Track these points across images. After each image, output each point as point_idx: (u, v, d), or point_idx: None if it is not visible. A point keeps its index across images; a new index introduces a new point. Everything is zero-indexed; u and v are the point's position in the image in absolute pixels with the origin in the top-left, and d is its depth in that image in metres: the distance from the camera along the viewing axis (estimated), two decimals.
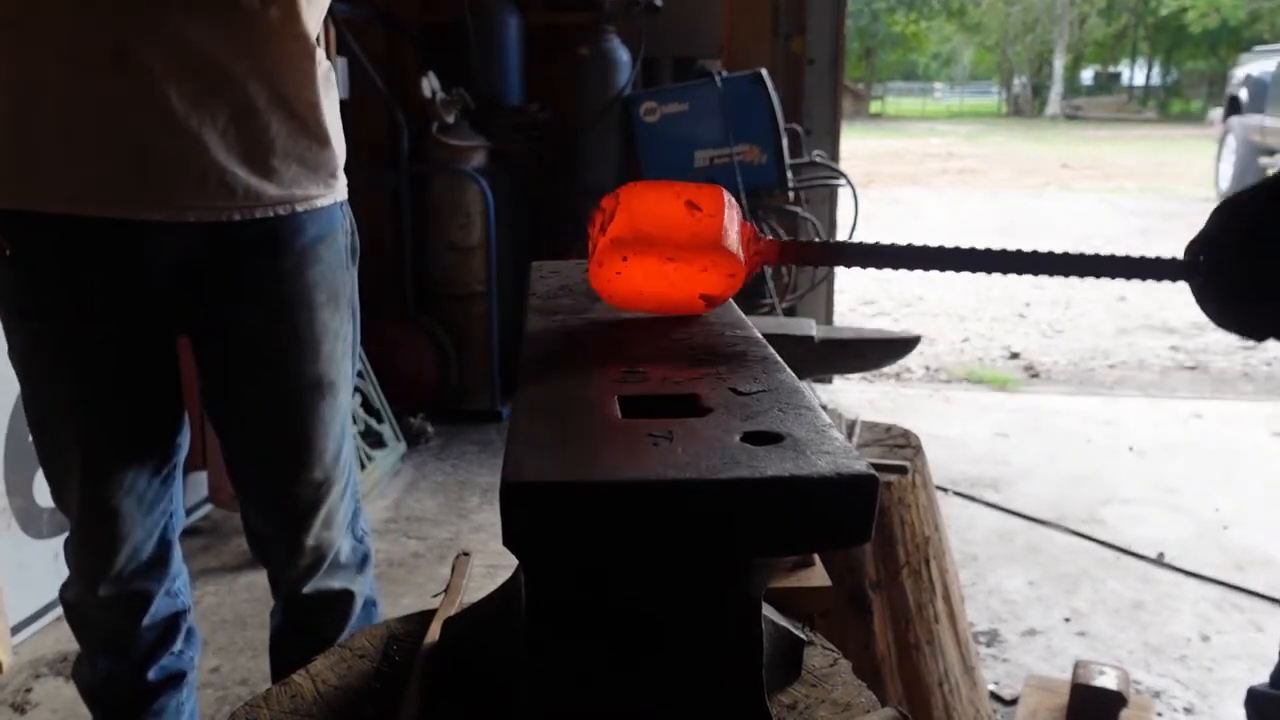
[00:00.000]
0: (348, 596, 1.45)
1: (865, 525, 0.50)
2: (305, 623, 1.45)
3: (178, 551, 1.43)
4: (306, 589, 1.41)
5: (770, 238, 0.79)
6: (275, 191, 1.22)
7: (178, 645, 1.46)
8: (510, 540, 0.48)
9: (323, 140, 1.26)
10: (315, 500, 1.36)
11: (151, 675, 1.43)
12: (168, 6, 1.12)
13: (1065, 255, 0.81)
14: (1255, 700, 1.58)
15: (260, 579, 2.66)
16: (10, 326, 1.25)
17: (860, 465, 0.50)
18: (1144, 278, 0.80)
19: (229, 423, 1.35)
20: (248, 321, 1.26)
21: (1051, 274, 0.81)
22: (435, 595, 0.94)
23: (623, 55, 3.90)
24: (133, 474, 1.29)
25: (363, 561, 1.49)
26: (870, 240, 0.82)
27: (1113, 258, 0.80)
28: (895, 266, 0.83)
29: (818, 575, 1.17)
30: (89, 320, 1.22)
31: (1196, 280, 0.80)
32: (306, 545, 1.37)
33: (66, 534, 1.38)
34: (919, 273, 0.81)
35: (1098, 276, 0.80)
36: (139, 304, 1.23)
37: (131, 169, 1.15)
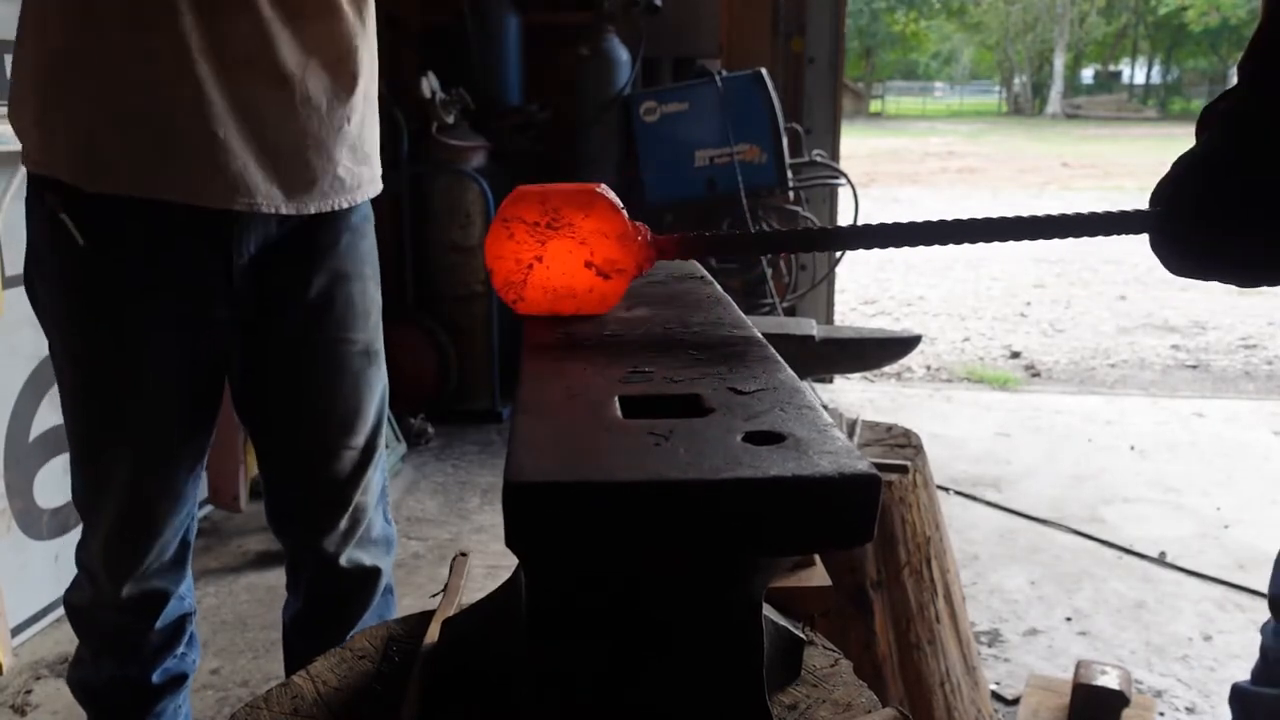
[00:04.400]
0: (376, 575, 1.48)
1: (868, 525, 0.50)
2: (333, 598, 1.46)
3: (190, 554, 1.44)
4: (343, 559, 1.42)
5: (656, 235, 0.80)
6: (367, 173, 1.32)
7: (181, 648, 1.46)
8: (512, 541, 0.48)
9: (377, 122, 1.36)
10: (360, 463, 1.40)
11: (156, 678, 1.43)
12: (299, 20, 1.19)
13: (1020, 219, 0.80)
14: (1239, 697, 1.59)
15: (261, 580, 2.66)
16: (76, 311, 1.25)
17: (862, 465, 0.49)
18: (1108, 233, 0.80)
19: (277, 393, 1.37)
20: (309, 291, 1.31)
21: (1005, 240, 0.80)
22: (434, 595, 0.94)
23: (623, 55, 3.90)
24: (174, 468, 1.32)
25: (389, 543, 1.52)
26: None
27: (1075, 216, 0.79)
28: (790, 250, 0.83)
29: (818, 575, 1.17)
30: (164, 306, 1.24)
31: (1153, 229, 0.79)
32: (348, 508, 1.41)
33: (80, 537, 1.37)
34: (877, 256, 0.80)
35: (1062, 237, 0.80)
36: (215, 289, 1.27)
37: (271, 169, 1.21)
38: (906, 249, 0.83)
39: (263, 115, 1.19)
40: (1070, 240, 0.81)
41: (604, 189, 0.77)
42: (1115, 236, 0.81)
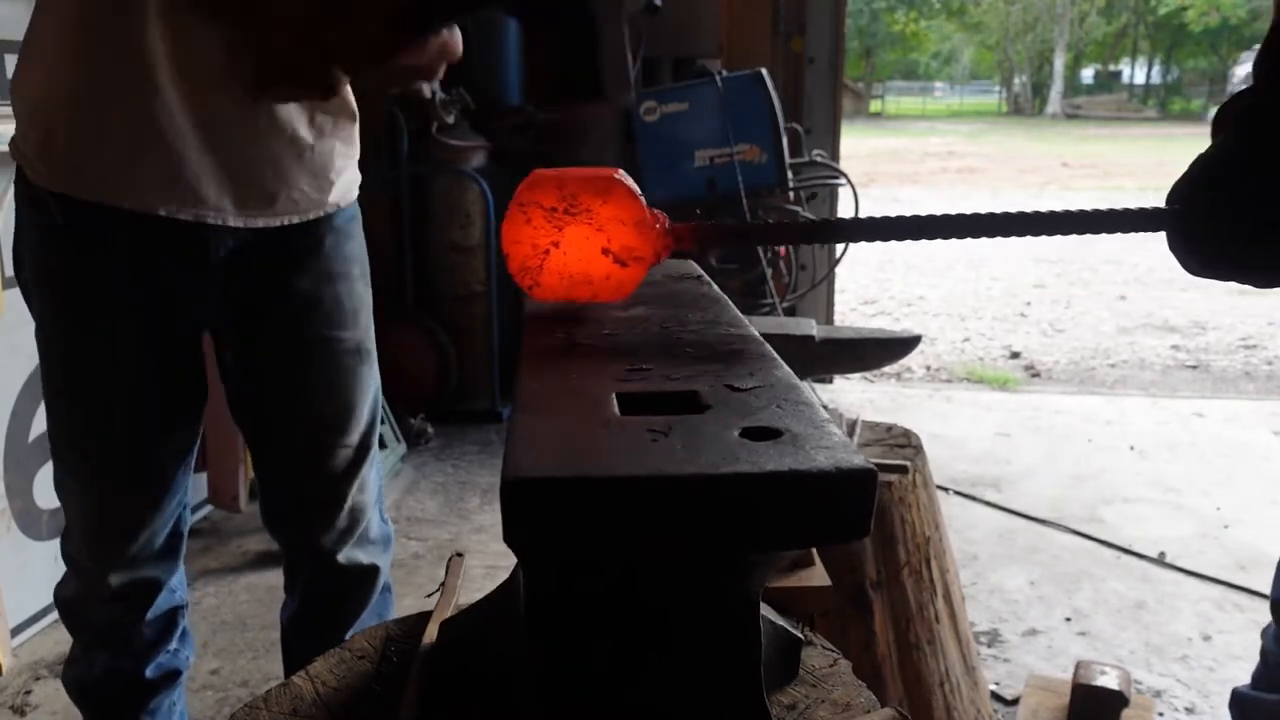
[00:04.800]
0: (374, 573, 1.48)
1: (864, 520, 0.49)
2: (331, 597, 1.47)
3: (184, 547, 1.44)
4: (341, 558, 1.43)
5: (675, 224, 0.80)
6: (331, 198, 1.32)
7: (174, 643, 1.47)
8: (511, 537, 0.48)
9: (356, 143, 1.36)
10: (354, 461, 1.41)
11: (149, 673, 1.44)
12: None
13: (1037, 214, 0.80)
14: (1239, 701, 1.59)
15: (261, 580, 2.66)
16: (54, 293, 1.26)
17: (859, 460, 0.49)
18: (1124, 230, 0.80)
19: (270, 394, 1.38)
20: (294, 292, 1.32)
21: (1023, 234, 0.80)
22: (429, 595, 0.93)
23: None
24: (162, 456, 1.32)
25: (386, 542, 1.52)
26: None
27: (1092, 213, 0.79)
28: (803, 241, 0.83)
29: (817, 575, 1.16)
30: (143, 300, 1.25)
31: (1171, 227, 0.80)
32: (345, 506, 1.41)
33: (64, 528, 1.38)
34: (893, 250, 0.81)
35: (1079, 233, 0.80)
36: (193, 291, 1.28)
37: (224, 182, 1.21)
38: (910, 244, 0.83)
39: (225, 133, 1.19)
40: (1074, 238, 0.81)
41: (622, 175, 0.77)
42: (1128, 235, 0.81)
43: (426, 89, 3.57)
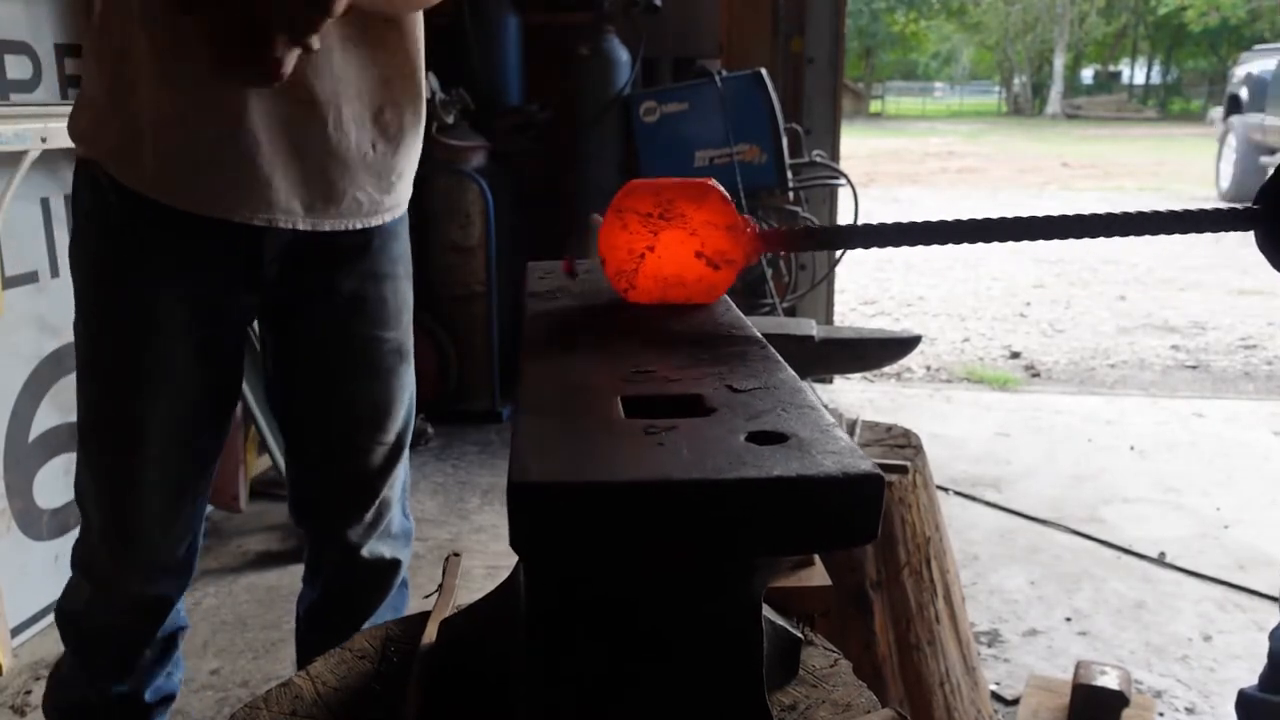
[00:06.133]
0: (395, 566, 1.50)
1: (871, 525, 0.50)
2: (352, 590, 1.47)
3: (197, 563, 1.42)
4: (365, 551, 1.44)
5: (762, 228, 0.82)
6: (390, 201, 1.33)
7: (169, 666, 1.45)
8: (517, 541, 0.48)
9: (418, 146, 1.37)
10: (389, 457, 1.42)
11: (149, 697, 1.42)
12: (349, 45, 1.19)
13: (1120, 215, 0.81)
14: (1245, 703, 1.59)
15: (261, 580, 2.66)
16: (100, 287, 1.25)
17: (866, 465, 0.49)
18: (1211, 229, 0.82)
19: (310, 389, 1.38)
20: (339, 290, 1.32)
21: (1097, 236, 0.81)
22: (427, 596, 0.94)
23: (623, 55, 3.90)
24: (187, 466, 1.31)
25: (407, 536, 1.54)
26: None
27: (1175, 213, 0.81)
28: (892, 244, 0.85)
29: (818, 575, 1.17)
30: (192, 299, 1.24)
31: (1259, 226, 0.81)
32: (373, 503, 1.42)
33: (79, 534, 1.35)
34: (919, 259, 0.81)
35: (1167, 233, 0.82)
36: (242, 286, 1.28)
37: (294, 184, 1.21)
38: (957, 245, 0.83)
39: (291, 134, 1.19)
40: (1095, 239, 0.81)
41: (715, 183, 0.80)
42: (1207, 235, 0.83)
43: (426, 89, 3.58)
